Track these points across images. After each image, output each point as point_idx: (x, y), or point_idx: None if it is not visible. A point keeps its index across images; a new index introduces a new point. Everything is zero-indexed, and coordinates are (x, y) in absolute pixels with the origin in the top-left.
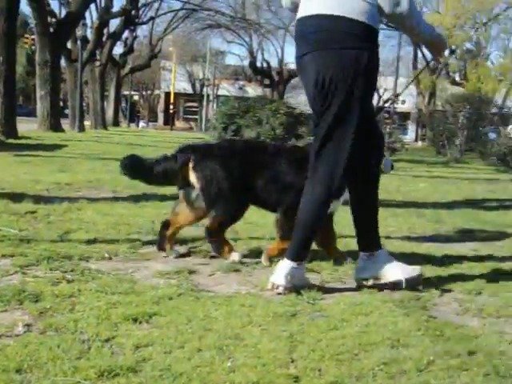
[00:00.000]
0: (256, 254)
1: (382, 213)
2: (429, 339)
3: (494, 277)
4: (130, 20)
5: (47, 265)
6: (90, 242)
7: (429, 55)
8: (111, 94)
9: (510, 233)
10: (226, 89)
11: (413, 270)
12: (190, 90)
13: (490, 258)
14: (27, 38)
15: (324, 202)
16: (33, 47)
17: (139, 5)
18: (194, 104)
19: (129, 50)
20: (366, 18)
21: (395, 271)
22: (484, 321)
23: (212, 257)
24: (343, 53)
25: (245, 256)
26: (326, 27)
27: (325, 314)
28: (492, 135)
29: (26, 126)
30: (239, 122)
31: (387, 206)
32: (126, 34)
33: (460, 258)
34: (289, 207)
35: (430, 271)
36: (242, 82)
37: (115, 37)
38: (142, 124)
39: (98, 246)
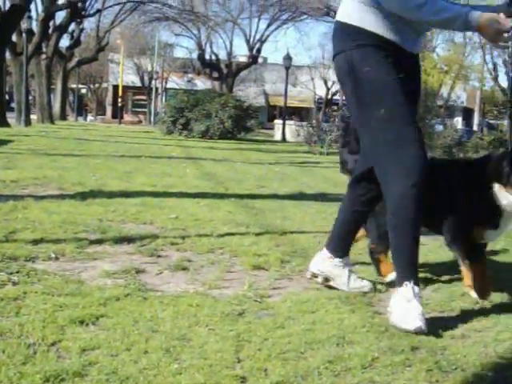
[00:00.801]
0: (206, 251)
1: (330, 207)
2: (373, 336)
3: (438, 271)
4: (77, 12)
5: None
6: (36, 241)
7: None
8: (58, 87)
9: None
10: (175, 82)
11: (361, 286)
12: (138, 83)
13: (433, 251)
14: None
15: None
16: None
17: None
18: (143, 97)
19: (75, 42)
20: (353, 19)
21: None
22: (427, 316)
23: (159, 256)
24: (336, 59)
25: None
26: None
27: (272, 312)
28: (439, 127)
29: None
30: (188, 115)
31: (335, 200)
32: (72, 26)
33: None
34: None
35: None
36: (190, 75)
37: (61, 29)
38: (89, 118)
39: (45, 246)
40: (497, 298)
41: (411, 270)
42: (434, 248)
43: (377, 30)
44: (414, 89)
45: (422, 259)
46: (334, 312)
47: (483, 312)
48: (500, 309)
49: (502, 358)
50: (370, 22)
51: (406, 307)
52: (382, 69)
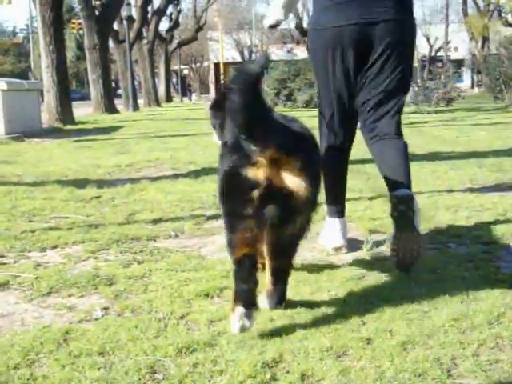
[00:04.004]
0: (321, 218)
1: (442, 166)
2: (498, 291)
3: None
4: None
5: (117, 248)
6: (155, 221)
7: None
8: (161, 70)
9: None
10: (275, 53)
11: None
12: (238, 58)
13: None
14: (74, 22)
15: None
16: (80, 31)
17: None
18: None
19: (174, 24)
20: None
21: None
22: None
23: None
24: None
25: None
26: None
27: (392, 273)
28: None
29: (82, 111)
30: (291, 86)
31: (447, 159)
32: (170, 8)
33: None
34: None
35: (494, 221)
36: (290, 45)
37: (160, 13)
38: (194, 97)
39: (164, 225)
40: None
41: None
42: None
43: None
44: None
45: None
46: (455, 270)
47: None
48: None
49: None
50: None
51: None
52: None
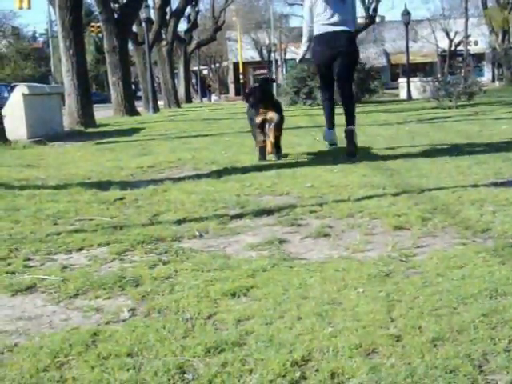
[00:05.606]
0: (345, 215)
1: (466, 160)
2: None
3: None
4: None
5: (142, 249)
6: (179, 221)
7: None
8: (180, 71)
9: None
10: (294, 52)
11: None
12: (257, 58)
13: None
14: (93, 26)
15: None
16: (99, 35)
17: None
18: (263, 71)
19: (193, 25)
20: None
21: None
22: None
23: (299, 225)
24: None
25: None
26: None
27: (419, 270)
28: None
29: (103, 113)
30: (310, 84)
31: (470, 153)
32: (188, 9)
33: None
34: None
35: None
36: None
37: (178, 14)
38: (214, 97)
39: (188, 225)
40: None
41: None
42: None
43: None
44: None
45: None
46: (482, 265)
47: None
48: None
49: None
50: None
51: None
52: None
